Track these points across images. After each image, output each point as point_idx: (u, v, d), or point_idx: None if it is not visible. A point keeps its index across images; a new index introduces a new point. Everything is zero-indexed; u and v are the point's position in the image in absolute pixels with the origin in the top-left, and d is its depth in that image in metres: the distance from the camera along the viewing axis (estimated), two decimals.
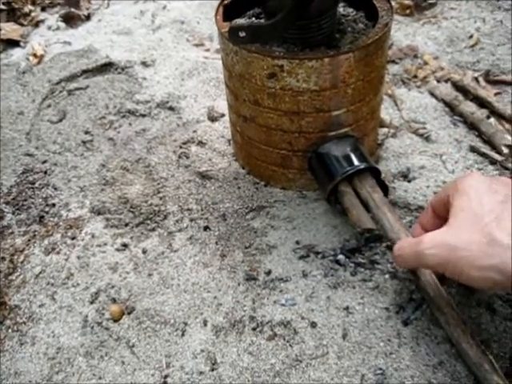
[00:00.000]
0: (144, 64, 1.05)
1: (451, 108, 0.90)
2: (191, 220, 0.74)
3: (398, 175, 0.78)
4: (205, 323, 0.62)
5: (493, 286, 0.49)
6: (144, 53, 1.08)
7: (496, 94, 0.92)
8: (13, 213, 0.77)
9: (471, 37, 1.05)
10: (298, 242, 0.70)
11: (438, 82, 0.96)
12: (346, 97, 0.66)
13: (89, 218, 0.76)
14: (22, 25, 1.21)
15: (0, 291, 0.67)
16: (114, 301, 0.65)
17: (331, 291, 0.64)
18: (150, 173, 0.81)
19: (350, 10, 0.73)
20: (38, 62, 1.07)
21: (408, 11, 1.15)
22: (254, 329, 0.61)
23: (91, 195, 0.79)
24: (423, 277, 0.58)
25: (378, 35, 0.63)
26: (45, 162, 0.85)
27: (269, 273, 0.67)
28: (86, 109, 0.95)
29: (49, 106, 0.96)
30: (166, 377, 0.58)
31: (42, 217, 0.76)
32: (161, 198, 0.77)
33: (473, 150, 0.81)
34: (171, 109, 0.94)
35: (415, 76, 0.98)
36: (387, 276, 0.65)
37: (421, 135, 0.84)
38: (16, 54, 1.12)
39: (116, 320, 0.63)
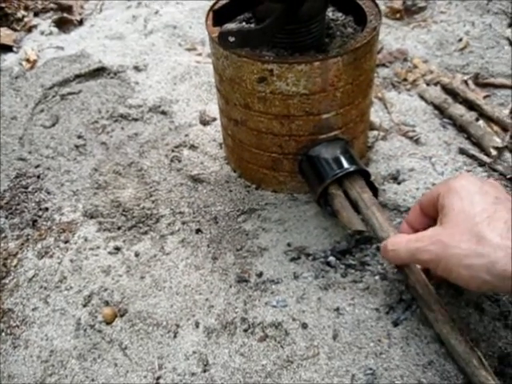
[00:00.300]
0: (136, 68, 1.06)
1: (440, 111, 0.91)
2: (183, 223, 0.75)
3: (387, 177, 0.78)
4: (197, 325, 0.63)
5: (481, 285, 0.50)
6: (136, 57, 1.09)
7: (485, 97, 0.93)
8: (6, 217, 0.78)
9: (460, 40, 1.06)
10: (289, 244, 0.71)
11: (428, 85, 0.97)
12: (336, 100, 0.66)
13: (82, 221, 0.76)
14: (14, 30, 1.21)
15: None
16: (106, 303, 0.66)
17: (322, 292, 0.65)
18: (143, 176, 0.82)
19: (339, 14, 0.74)
20: (31, 67, 1.07)
21: (398, 15, 1.16)
22: (245, 330, 0.62)
23: (84, 199, 0.79)
24: (412, 275, 0.58)
25: (366, 39, 0.64)
26: (38, 166, 0.86)
27: (260, 275, 0.67)
28: (78, 113, 0.95)
29: (42, 110, 0.97)
30: (158, 378, 0.58)
31: (35, 221, 0.77)
32: (153, 202, 0.77)
33: (462, 152, 0.82)
34: (163, 113, 0.94)
35: (405, 79, 0.98)
36: (377, 277, 0.66)
37: (410, 138, 0.85)
38: (9, 59, 1.12)
39: (109, 322, 0.64)
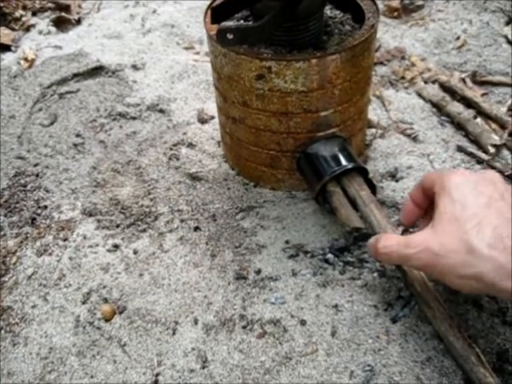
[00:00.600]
0: (134, 67, 1.06)
1: (438, 108, 0.91)
2: (182, 221, 0.75)
3: (385, 175, 0.78)
4: (195, 322, 0.63)
5: (473, 290, 0.50)
6: (134, 56, 1.09)
7: (483, 95, 0.93)
8: (5, 215, 0.78)
9: (458, 38, 1.07)
10: (287, 242, 0.71)
11: (426, 83, 0.97)
12: (334, 97, 0.67)
13: (80, 219, 0.76)
14: (13, 29, 1.21)
15: None
16: (105, 301, 0.66)
17: (320, 289, 0.65)
18: (141, 174, 0.82)
19: (337, 12, 0.74)
20: (29, 66, 1.07)
21: (396, 13, 1.16)
22: (244, 327, 0.62)
23: (83, 197, 0.79)
24: (410, 273, 0.59)
25: (364, 36, 0.64)
26: (36, 164, 0.86)
27: (259, 272, 0.67)
28: (77, 112, 0.95)
29: (40, 109, 0.97)
30: (157, 375, 0.58)
31: (34, 219, 0.77)
32: (151, 200, 0.78)
33: (460, 149, 0.82)
34: (161, 111, 0.95)
35: (403, 77, 0.99)
36: (376, 274, 0.66)
37: (408, 135, 0.85)
38: (7, 58, 1.12)
39: (108, 320, 0.64)
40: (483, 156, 0.80)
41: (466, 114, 0.88)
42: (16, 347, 0.62)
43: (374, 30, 0.66)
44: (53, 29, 1.21)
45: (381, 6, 1.15)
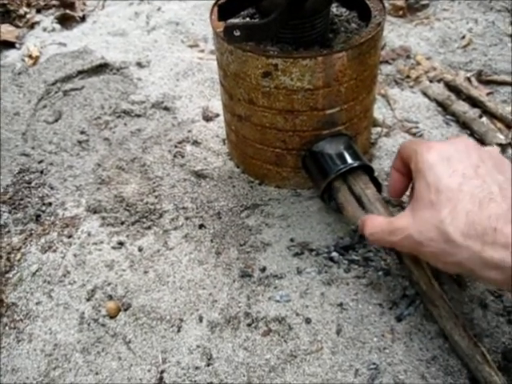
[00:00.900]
0: (139, 65, 1.06)
1: (444, 107, 0.91)
2: (186, 218, 0.75)
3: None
4: (200, 319, 0.63)
5: (460, 273, 0.52)
6: (139, 54, 1.09)
7: (488, 94, 0.93)
8: (9, 212, 0.78)
9: (463, 37, 1.07)
10: (292, 240, 0.71)
11: (431, 82, 0.97)
12: (340, 95, 0.66)
13: (85, 216, 0.76)
14: (17, 26, 1.21)
15: None
16: (110, 298, 0.66)
17: (325, 288, 0.65)
18: (146, 172, 0.82)
19: (343, 10, 0.74)
20: (34, 63, 1.07)
21: (401, 12, 1.16)
22: (249, 325, 0.62)
23: (87, 194, 0.79)
24: (416, 271, 0.58)
25: (370, 34, 0.64)
26: (41, 161, 0.86)
27: (263, 270, 0.67)
28: (81, 109, 0.95)
29: (44, 106, 0.97)
30: (162, 372, 0.58)
31: (39, 216, 0.77)
32: (156, 197, 0.77)
33: None
34: (166, 109, 0.94)
35: (408, 76, 0.98)
36: (381, 273, 0.66)
37: (414, 134, 0.85)
38: (12, 55, 1.12)
39: (112, 316, 0.64)
40: None
41: (472, 113, 0.88)
42: (20, 344, 0.62)
43: (380, 28, 0.66)
44: (57, 26, 1.21)
45: (386, 4, 1.14)
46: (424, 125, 0.87)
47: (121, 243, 0.72)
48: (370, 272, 0.66)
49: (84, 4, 1.28)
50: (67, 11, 1.24)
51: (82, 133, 0.90)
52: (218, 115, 0.91)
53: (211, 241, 0.71)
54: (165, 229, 0.73)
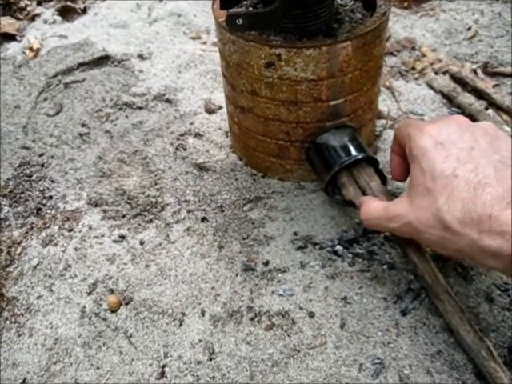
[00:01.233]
0: (141, 57, 1.05)
1: (449, 100, 0.90)
2: (188, 211, 0.74)
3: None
4: (203, 313, 0.62)
5: (462, 258, 0.52)
6: (140, 46, 1.08)
7: (494, 86, 0.92)
8: (10, 205, 0.77)
9: (469, 29, 1.05)
10: (295, 233, 0.70)
11: (436, 73, 0.96)
12: (344, 86, 0.66)
13: (86, 209, 0.76)
14: (18, 19, 1.21)
15: None
16: (111, 291, 0.65)
17: (329, 281, 0.64)
18: (147, 165, 0.81)
19: None
20: (35, 56, 1.06)
21: (406, 4, 1.15)
22: (251, 319, 0.61)
23: (88, 187, 0.79)
24: (421, 265, 0.58)
25: (375, 24, 0.63)
26: (42, 154, 0.85)
27: (267, 263, 0.66)
28: (82, 102, 0.95)
29: (45, 99, 0.96)
30: (163, 366, 0.58)
31: (39, 209, 0.76)
32: (158, 190, 0.77)
33: None
34: (168, 101, 0.94)
35: (413, 68, 0.97)
36: (385, 266, 0.65)
37: None
38: (12, 47, 1.11)
39: (114, 311, 0.63)
40: None
41: (478, 105, 0.87)
42: (21, 338, 0.62)
43: (385, 18, 0.65)
44: (58, 18, 1.20)
45: None
46: (429, 117, 0.87)
47: (122, 236, 0.71)
48: (374, 266, 0.65)
49: None
50: (68, 3, 1.23)
51: (83, 125, 0.90)
52: (220, 107, 0.91)
53: (213, 234, 0.71)
54: (167, 222, 0.73)
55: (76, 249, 0.70)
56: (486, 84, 0.91)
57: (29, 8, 1.23)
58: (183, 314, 0.62)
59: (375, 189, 0.63)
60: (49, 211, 0.76)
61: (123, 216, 0.74)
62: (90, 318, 0.63)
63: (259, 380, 0.56)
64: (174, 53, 1.05)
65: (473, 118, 0.85)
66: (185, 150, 0.83)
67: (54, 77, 1.00)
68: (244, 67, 0.66)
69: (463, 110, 0.87)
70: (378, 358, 0.57)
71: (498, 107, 0.87)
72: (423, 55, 1.00)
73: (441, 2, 1.14)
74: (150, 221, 0.73)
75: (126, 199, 0.75)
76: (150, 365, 0.58)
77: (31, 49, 1.08)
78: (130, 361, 0.58)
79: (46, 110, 0.94)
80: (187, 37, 1.12)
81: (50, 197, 0.78)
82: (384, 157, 0.79)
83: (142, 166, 0.81)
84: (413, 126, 0.54)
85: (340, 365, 0.56)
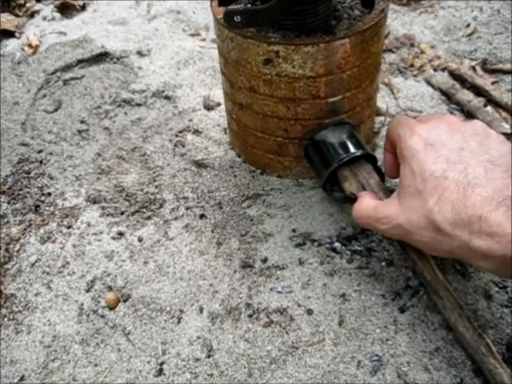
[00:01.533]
0: (140, 54, 1.05)
1: (448, 97, 0.90)
2: (187, 208, 0.74)
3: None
4: (201, 310, 0.62)
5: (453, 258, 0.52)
6: (139, 42, 1.08)
7: (493, 83, 0.92)
8: (8, 202, 0.77)
9: (468, 26, 1.05)
10: (294, 230, 0.70)
11: (435, 70, 0.95)
12: (342, 83, 0.65)
13: (84, 206, 0.75)
14: (17, 15, 1.20)
15: None
16: (109, 288, 0.65)
17: (327, 278, 0.64)
18: (146, 161, 0.81)
19: None
20: (34, 53, 1.06)
21: (405, 1, 1.15)
22: (250, 316, 0.61)
23: (87, 184, 0.78)
24: (420, 261, 0.58)
25: (374, 21, 0.63)
26: (40, 151, 0.85)
27: (265, 260, 0.66)
28: (81, 98, 0.95)
29: (44, 95, 0.96)
30: (162, 364, 0.58)
31: (38, 206, 0.76)
32: (156, 187, 0.77)
33: None
34: (167, 98, 0.94)
35: (412, 65, 0.97)
36: (383, 263, 0.65)
37: None
38: (11, 44, 1.11)
39: (112, 308, 0.63)
40: None
41: (476, 102, 0.87)
42: (19, 335, 0.62)
43: (383, 15, 0.65)
44: (57, 15, 1.20)
45: None
46: (428, 114, 0.86)
47: (121, 233, 0.71)
48: (372, 263, 0.65)
49: None
50: (67, 0, 1.22)
51: (82, 122, 0.90)
52: (219, 104, 0.91)
53: (212, 231, 0.71)
54: (165, 219, 0.73)
55: (74, 246, 0.70)
56: (484, 81, 0.91)
57: (28, 5, 1.23)
58: (181, 311, 0.62)
59: (374, 186, 0.63)
60: (47, 208, 0.76)
61: (122, 213, 0.74)
62: (88, 315, 0.63)
63: (257, 377, 0.56)
64: (172, 50, 1.05)
65: (471, 114, 0.85)
66: (183, 146, 0.83)
67: (52, 73, 0.99)
68: (242, 64, 0.66)
69: (462, 107, 0.87)
70: (376, 355, 0.57)
71: (496, 104, 0.87)
72: (422, 52, 1.00)
73: None
74: (149, 218, 0.73)
75: (124, 196, 0.75)
76: (148, 362, 0.58)
77: (30, 45, 1.08)
78: (128, 358, 0.58)
79: (44, 106, 0.94)
80: (186, 34, 1.12)
81: (49, 193, 0.78)
82: (382, 154, 0.78)
83: (140, 163, 0.81)
84: (403, 126, 0.54)
85: (338, 362, 0.56)
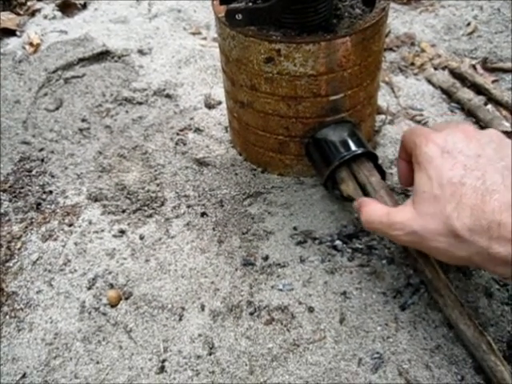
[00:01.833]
0: (141, 52, 1.05)
1: (448, 95, 0.90)
2: (188, 206, 0.74)
3: (395, 161, 0.77)
4: (202, 308, 0.62)
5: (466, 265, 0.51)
6: (141, 41, 1.08)
7: (493, 82, 0.92)
8: (10, 200, 0.77)
9: (469, 24, 1.05)
10: (295, 228, 0.70)
11: (436, 69, 0.96)
12: (343, 81, 0.66)
13: (86, 204, 0.76)
14: (18, 14, 1.20)
15: None
16: (111, 286, 0.65)
17: (328, 276, 0.64)
18: (147, 160, 0.81)
19: None
20: (35, 51, 1.06)
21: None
22: (251, 313, 0.61)
23: (88, 182, 0.79)
24: (421, 259, 0.58)
25: (374, 19, 0.63)
26: (42, 149, 0.85)
27: (266, 258, 0.67)
28: (82, 97, 0.95)
29: (45, 94, 0.96)
30: (163, 361, 0.58)
31: (39, 204, 0.76)
32: (158, 185, 0.77)
33: None
34: (168, 96, 0.94)
35: (412, 63, 0.97)
36: (384, 261, 0.65)
37: (418, 122, 0.84)
38: (12, 43, 1.11)
39: (113, 305, 0.63)
40: None
41: (477, 100, 0.87)
42: (21, 333, 0.62)
43: (384, 13, 0.65)
44: (58, 13, 1.20)
45: None
46: (428, 112, 0.87)
47: (122, 231, 0.71)
48: (373, 260, 0.65)
49: None
50: None
51: (83, 120, 0.90)
52: (220, 103, 0.91)
53: (213, 229, 0.71)
54: (166, 217, 0.73)
55: (76, 244, 0.70)
56: (485, 79, 0.91)
57: (29, 3, 1.23)
58: (183, 308, 0.62)
59: (375, 184, 0.63)
60: (49, 206, 0.76)
61: (123, 211, 0.74)
62: (89, 313, 0.63)
63: (259, 374, 0.56)
64: (174, 48, 1.05)
65: (472, 113, 0.85)
66: (185, 145, 0.83)
67: (54, 72, 1.00)
68: (244, 62, 0.66)
69: (462, 106, 0.87)
70: (378, 353, 0.57)
71: (497, 102, 0.87)
72: (422, 51, 1.00)
73: None
74: (150, 216, 0.73)
75: (125, 194, 0.75)
76: (150, 359, 0.58)
77: (31, 44, 1.08)
78: (130, 355, 0.59)
79: (46, 105, 0.94)
80: (187, 32, 1.12)
81: (50, 192, 0.78)
82: (383, 152, 0.79)
83: (141, 161, 0.81)
84: (419, 135, 0.54)
85: (339, 359, 0.57)
